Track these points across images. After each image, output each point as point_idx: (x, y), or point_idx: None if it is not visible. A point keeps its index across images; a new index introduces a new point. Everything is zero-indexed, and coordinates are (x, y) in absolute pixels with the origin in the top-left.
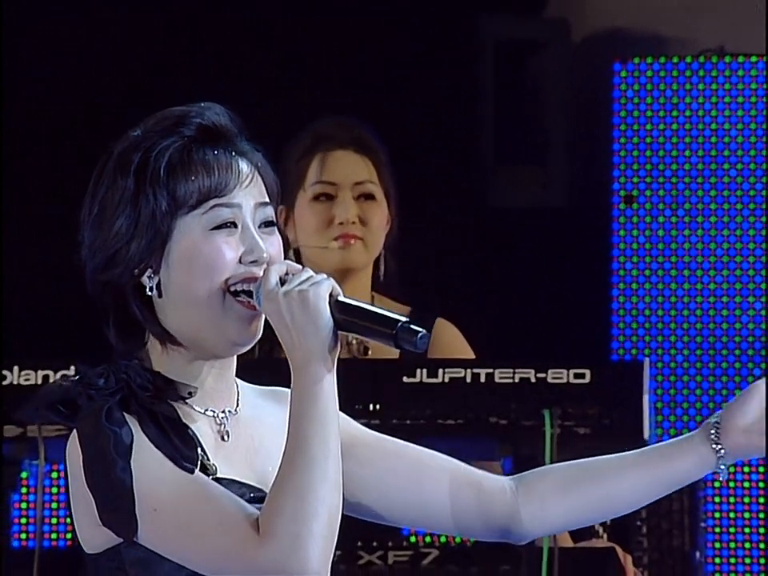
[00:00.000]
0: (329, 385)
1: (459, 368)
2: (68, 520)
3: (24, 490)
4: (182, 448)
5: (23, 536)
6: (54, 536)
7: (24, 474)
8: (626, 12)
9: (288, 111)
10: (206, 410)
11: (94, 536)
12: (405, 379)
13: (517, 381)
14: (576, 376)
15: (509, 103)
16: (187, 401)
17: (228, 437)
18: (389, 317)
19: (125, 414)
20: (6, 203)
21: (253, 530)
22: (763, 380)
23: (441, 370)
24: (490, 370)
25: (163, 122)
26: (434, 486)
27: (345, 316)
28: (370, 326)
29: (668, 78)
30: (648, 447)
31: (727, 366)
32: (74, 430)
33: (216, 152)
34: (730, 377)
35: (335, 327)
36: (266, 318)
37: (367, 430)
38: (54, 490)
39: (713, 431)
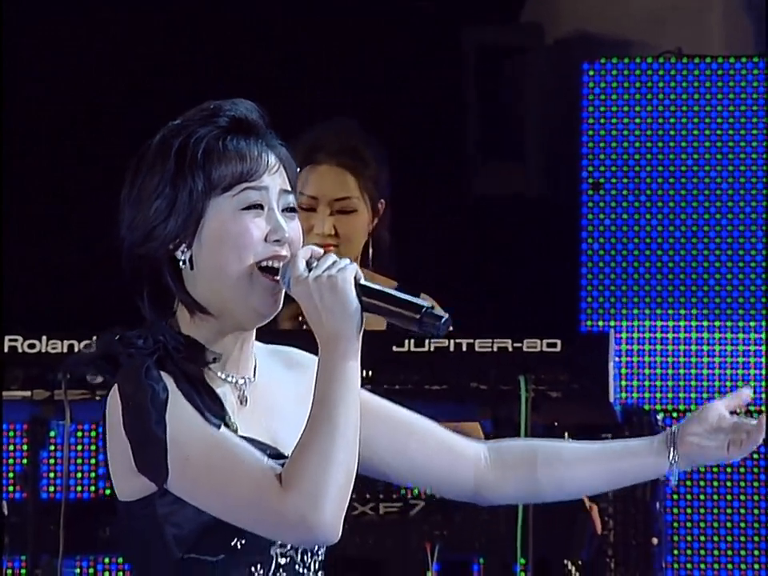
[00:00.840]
0: (354, 361)
1: (443, 338)
2: (92, 474)
3: (52, 447)
4: (212, 405)
5: (51, 489)
6: (78, 488)
7: (52, 433)
8: (594, 17)
9: (288, 111)
10: (228, 377)
11: (129, 485)
12: (394, 348)
13: (495, 350)
14: (548, 345)
15: (490, 101)
16: (210, 367)
17: (246, 402)
18: (414, 302)
19: (161, 372)
20: (6, 203)
21: (277, 482)
22: (716, 401)
23: (427, 340)
24: (471, 340)
25: (200, 112)
26: (419, 444)
27: (371, 299)
28: (395, 310)
29: (631, 76)
30: (611, 443)
31: (685, 336)
32: (115, 385)
33: (248, 142)
34: (687, 345)
35: (361, 309)
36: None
37: (363, 390)
38: (79, 447)
39: (671, 437)
